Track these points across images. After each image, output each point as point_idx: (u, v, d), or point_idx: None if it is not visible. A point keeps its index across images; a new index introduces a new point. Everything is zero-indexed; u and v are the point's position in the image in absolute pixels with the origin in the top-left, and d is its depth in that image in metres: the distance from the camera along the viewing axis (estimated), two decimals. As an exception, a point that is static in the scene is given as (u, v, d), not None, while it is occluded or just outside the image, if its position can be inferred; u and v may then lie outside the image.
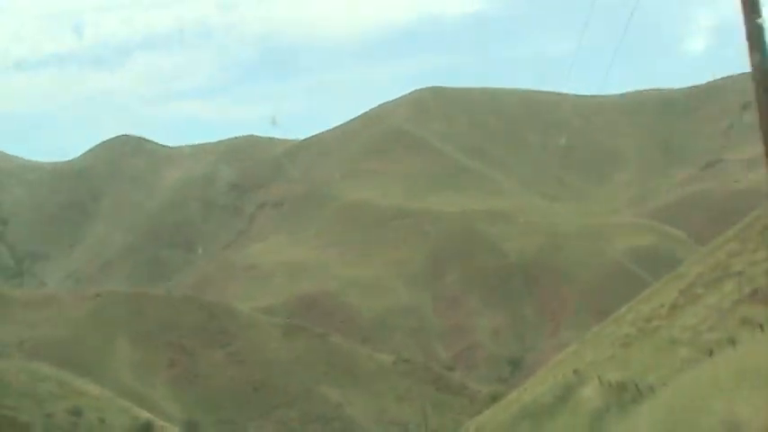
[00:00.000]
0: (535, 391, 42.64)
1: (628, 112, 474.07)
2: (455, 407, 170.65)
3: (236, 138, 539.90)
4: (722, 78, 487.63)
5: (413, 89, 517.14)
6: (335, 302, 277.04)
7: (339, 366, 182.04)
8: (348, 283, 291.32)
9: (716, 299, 27.37)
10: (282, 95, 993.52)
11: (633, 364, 26.78)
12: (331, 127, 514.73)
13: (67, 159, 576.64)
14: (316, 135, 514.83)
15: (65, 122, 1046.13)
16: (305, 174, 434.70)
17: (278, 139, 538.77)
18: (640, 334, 32.59)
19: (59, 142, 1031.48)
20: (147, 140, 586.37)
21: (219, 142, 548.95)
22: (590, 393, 26.66)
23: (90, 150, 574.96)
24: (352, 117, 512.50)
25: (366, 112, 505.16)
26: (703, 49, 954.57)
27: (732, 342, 20.24)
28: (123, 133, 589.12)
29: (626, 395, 23.02)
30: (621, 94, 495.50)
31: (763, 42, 18.94)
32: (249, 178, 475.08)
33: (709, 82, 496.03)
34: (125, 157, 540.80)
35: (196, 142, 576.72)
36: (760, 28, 18.07)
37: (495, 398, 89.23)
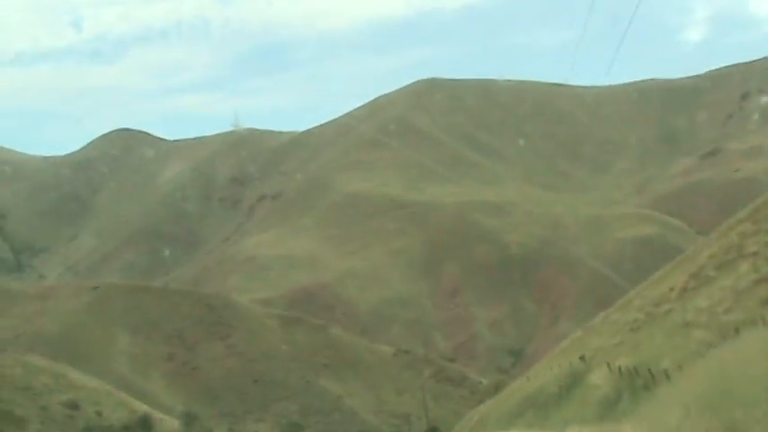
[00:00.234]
0: (540, 379, 41.55)
1: (628, 102, 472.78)
2: (455, 398, 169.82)
3: (234, 131, 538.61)
4: (722, 68, 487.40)
5: (411, 81, 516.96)
6: (334, 294, 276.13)
7: (338, 358, 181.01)
8: (347, 274, 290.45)
9: (731, 280, 26.31)
10: (280, 88, 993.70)
11: (644, 350, 25.72)
12: (329, 119, 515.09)
13: (66, 153, 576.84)
14: (314, 127, 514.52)
15: (63, 116, 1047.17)
16: (303, 166, 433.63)
17: (276, 132, 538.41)
18: (649, 319, 31.52)
19: (58, 136, 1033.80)
20: (146, 134, 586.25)
21: (218, 135, 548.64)
22: (599, 380, 25.63)
23: (89, 144, 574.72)
24: (350, 109, 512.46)
25: (364, 104, 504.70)
26: (703, 39, 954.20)
27: (753, 323, 19.22)
28: (122, 127, 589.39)
29: (638, 381, 21.95)
30: (621, 85, 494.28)
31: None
32: (247, 171, 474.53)
33: (709, 72, 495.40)
34: (124, 151, 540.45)
35: (194, 135, 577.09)
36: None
37: (497, 387, 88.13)
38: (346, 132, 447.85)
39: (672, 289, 32.93)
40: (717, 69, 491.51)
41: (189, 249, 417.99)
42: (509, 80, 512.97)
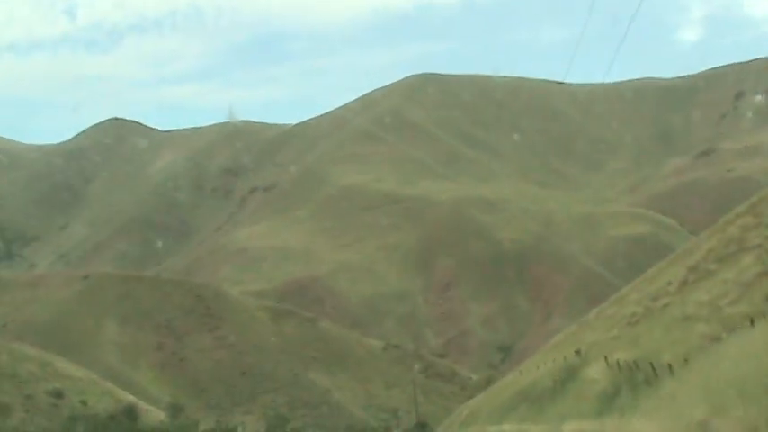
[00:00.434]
0: (533, 373, 40.73)
1: (623, 100, 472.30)
2: (445, 393, 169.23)
3: (227, 122, 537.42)
4: (717, 68, 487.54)
5: (406, 75, 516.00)
6: (325, 287, 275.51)
7: (328, 352, 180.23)
8: (339, 268, 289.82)
9: (733, 273, 25.50)
10: (275, 80, 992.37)
11: (642, 344, 24.91)
12: (323, 112, 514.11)
13: (59, 142, 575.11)
14: (308, 120, 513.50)
15: (57, 105, 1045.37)
16: (296, 158, 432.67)
17: (270, 124, 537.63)
18: (647, 312, 30.73)
19: (52, 125, 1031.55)
20: (139, 124, 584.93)
21: (211, 126, 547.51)
22: (596, 374, 24.80)
23: (81, 133, 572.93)
24: (345, 103, 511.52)
25: (359, 98, 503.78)
26: (699, 39, 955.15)
27: (763, 315, 18.43)
28: (115, 116, 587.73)
29: (638, 375, 21.10)
30: (616, 83, 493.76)
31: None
32: (241, 162, 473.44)
33: (703, 71, 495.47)
34: (117, 141, 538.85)
35: (188, 126, 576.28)
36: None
37: (489, 382, 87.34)
38: (341, 125, 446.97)
39: (670, 283, 32.16)
40: (711, 69, 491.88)
41: (181, 240, 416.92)
42: (505, 76, 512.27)
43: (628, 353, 24.00)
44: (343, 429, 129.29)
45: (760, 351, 13.90)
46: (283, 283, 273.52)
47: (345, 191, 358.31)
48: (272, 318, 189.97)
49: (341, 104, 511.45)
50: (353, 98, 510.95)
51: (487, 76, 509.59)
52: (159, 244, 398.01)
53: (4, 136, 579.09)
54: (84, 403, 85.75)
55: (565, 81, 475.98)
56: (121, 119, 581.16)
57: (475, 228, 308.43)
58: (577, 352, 32.20)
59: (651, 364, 20.29)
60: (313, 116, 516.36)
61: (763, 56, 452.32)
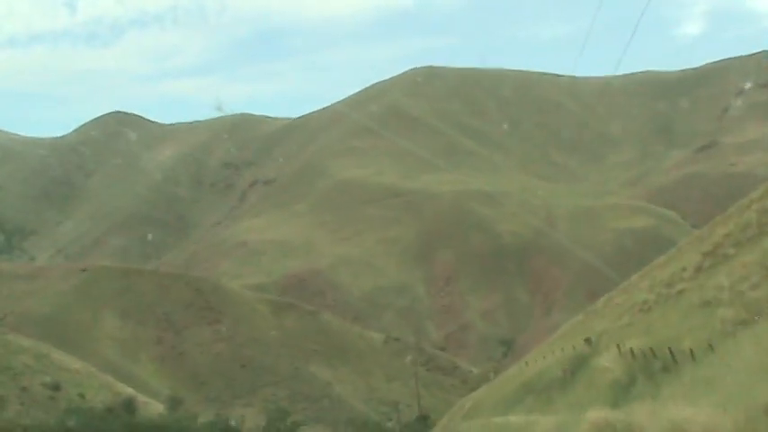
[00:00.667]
0: (539, 364, 39.67)
1: (624, 94, 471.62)
2: (446, 387, 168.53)
3: (229, 116, 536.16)
4: (719, 62, 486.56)
5: (408, 69, 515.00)
6: (326, 281, 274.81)
7: (329, 345, 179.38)
8: (339, 261, 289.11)
9: (755, 256, 24.44)
10: (276, 75, 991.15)
11: (657, 331, 23.88)
12: (323, 106, 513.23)
13: (59, 135, 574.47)
14: (309, 114, 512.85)
15: (57, 99, 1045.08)
16: (297, 152, 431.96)
17: (271, 118, 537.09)
18: (661, 299, 29.70)
19: (51, 118, 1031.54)
20: (139, 117, 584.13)
21: (212, 120, 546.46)
22: (608, 363, 23.76)
23: (82, 126, 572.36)
24: (345, 97, 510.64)
25: (359, 92, 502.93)
26: (701, 33, 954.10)
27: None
28: (116, 110, 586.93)
29: (655, 363, 20.04)
30: (618, 77, 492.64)
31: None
32: (241, 156, 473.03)
33: (705, 65, 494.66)
34: (117, 134, 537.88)
35: (189, 120, 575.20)
36: None
37: (493, 374, 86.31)
38: (341, 119, 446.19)
39: (684, 269, 31.13)
40: (713, 62, 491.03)
41: (180, 234, 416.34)
42: (506, 69, 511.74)
43: (642, 340, 22.99)
44: (343, 423, 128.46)
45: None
46: (283, 276, 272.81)
47: (345, 184, 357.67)
48: (273, 311, 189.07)
49: (341, 99, 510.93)
50: (355, 92, 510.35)
51: (488, 69, 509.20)
52: (159, 238, 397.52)
53: (3, 129, 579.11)
54: (81, 396, 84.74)
55: (573, 74, 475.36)
56: (121, 112, 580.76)
57: (475, 221, 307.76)
58: (587, 341, 31.16)
59: (670, 350, 19.26)
60: (314, 110, 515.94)
61: (765, 49, 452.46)
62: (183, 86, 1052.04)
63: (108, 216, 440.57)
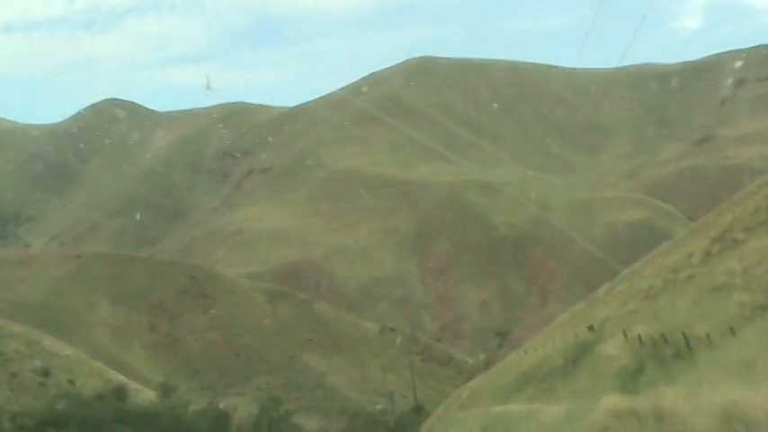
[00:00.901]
0: (539, 352, 38.69)
1: (622, 86, 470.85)
2: (441, 377, 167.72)
3: (225, 104, 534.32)
4: (716, 54, 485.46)
5: (405, 59, 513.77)
6: (321, 270, 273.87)
7: (323, 334, 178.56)
8: (335, 251, 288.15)
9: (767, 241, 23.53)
10: (273, 63, 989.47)
11: (666, 317, 22.93)
12: (321, 95, 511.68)
13: (55, 122, 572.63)
14: (306, 102, 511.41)
15: (54, 85, 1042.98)
16: (293, 141, 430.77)
17: (267, 106, 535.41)
18: (668, 285, 28.76)
19: (48, 105, 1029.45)
20: (136, 105, 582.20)
21: (209, 108, 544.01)
22: (613, 351, 22.78)
23: (78, 113, 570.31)
24: (343, 85, 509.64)
25: (357, 81, 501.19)
26: (699, 26, 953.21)
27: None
28: (112, 97, 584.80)
29: (666, 349, 19.07)
30: (616, 69, 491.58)
31: None
32: (238, 145, 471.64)
33: (703, 58, 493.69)
34: (113, 121, 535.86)
35: (186, 108, 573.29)
36: None
37: (488, 364, 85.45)
38: (338, 108, 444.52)
39: (691, 254, 30.18)
40: (711, 56, 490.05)
41: (176, 221, 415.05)
42: (504, 61, 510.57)
43: (650, 327, 22.04)
44: (336, 412, 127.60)
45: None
46: (278, 265, 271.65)
47: (342, 174, 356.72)
48: (267, 299, 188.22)
49: (339, 88, 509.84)
50: (352, 81, 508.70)
51: (486, 60, 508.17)
52: (154, 226, 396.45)
53: (0, 116, 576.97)
54: (71, 382, 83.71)
55: (575, 66, 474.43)
56: (118, 99, 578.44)
57: (471, 212, 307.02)
58: (590, 328, 30.18)
59: (684, 335, 18.28)
60: (311, 99, 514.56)
61: (762, 43, 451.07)
62: (180, 74, 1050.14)
63: (103, 203, 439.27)
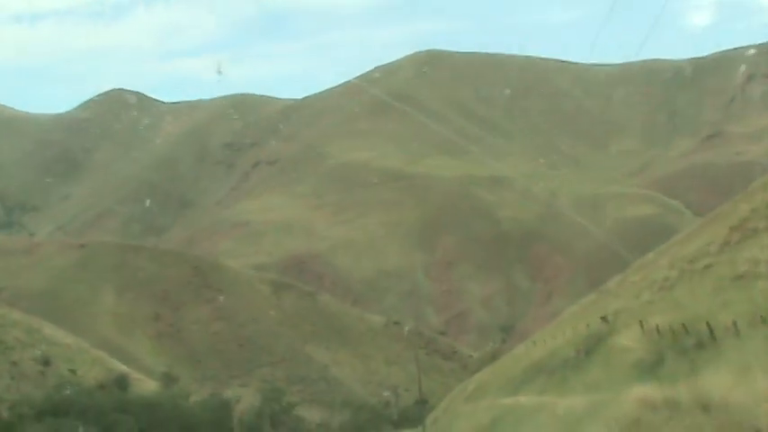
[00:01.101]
0: (549, 344, 37.66)
1: (630, 81, 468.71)
2: (445, 371, 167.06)
3: (232, 95, 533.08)
4: (726, 51, 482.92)
5: (413, 52, 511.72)
6: (326, 263, 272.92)
7: (327, 327, 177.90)
8: (340, 243, 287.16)
9: (789, 229, 22.62)
10: (281, 55, 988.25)
11: (685, 307, 21.96)
12: (329, 87, 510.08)
13: (62, 112, 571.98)
14: (313, 95, 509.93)
15: (62, 75, 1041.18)
16: (301, 133, 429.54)
17: (275, 98, 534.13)
18: (684, 276, 27.78)
19: (55, 95, 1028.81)
20: (143, 95, 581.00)
21: (216, 99, 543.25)
22: (629, 342, 21.80)
23: (84, 103, 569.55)
24: (351, 78, 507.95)
25: (364, 74, 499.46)
26: (709, 23, 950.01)
27: None
28: (120, 87, 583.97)
29: (687, 340, 18.09)
30: (625, 64, 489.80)
31: None
32: (244, 136, 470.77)
33: (712, 54, 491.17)
34: (120, 112, 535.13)
35: (193, 99, 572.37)
36: None
37: (494, 356, 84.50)
38: (346, 101, 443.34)
39: (709, 244, 29.17)
40: (721, 52, 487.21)
41: (182, 212, 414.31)
42: (513, 55, 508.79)
43: (667, 317, 21.06)
44: (339, 405, 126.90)
45: None
46: (284, 257, 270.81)
47: (349, 166, 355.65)
48: (272, 291, 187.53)
49: (346, 80, 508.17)
50: (359, 74, 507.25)
51: (495, 54, 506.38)
52: (160, 216, 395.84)
53: (8, 105, 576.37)
54: (72, 371, 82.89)
55: (587, 61, 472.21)
56: (125, 90, 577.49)
57: (478, 207, 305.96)
58: (604, 319, 29.18)
59: (708, 325, 17.32)
60: (318, 91, 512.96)
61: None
62: (187, 65, 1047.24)
63: (109, 192, 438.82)
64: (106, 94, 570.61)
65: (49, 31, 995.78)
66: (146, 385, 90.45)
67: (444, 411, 65.41)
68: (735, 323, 16.28)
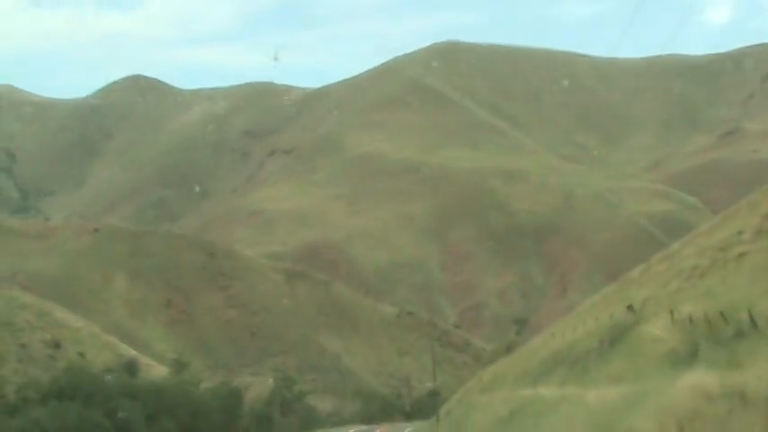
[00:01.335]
0: (570, 335, 36.50)
1: (648, 76, 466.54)
2: (458, 363, 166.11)
3: (250, 84, 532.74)
4: (744, 48, 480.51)
5: (431, 44, 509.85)
6: (340, 253, 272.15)
7: (340, 316, 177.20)
8: (354, 234, 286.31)
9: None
10: (298, 45, 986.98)
11: (719, 296, 20.78)
12: (346, 77, 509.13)
13: (79, 97, 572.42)
14: (330, 84, 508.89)
15: (79, 61, 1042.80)
16: (317, 123, 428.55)
17: (292, 87, 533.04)
18: (716, 264, 26.62)
19: (73, 81, 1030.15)
20: (161, 82, 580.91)
21: (233, 87, 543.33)
22: (658, 332, 20.66)
23: (102, 89, 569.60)
24: (369, 68, 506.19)
25: (382, 64, 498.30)
26: (728, 20, 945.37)
27: None
28: (137, 73, 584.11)
29: (726, 329, 16.94)
30: (643, 59, 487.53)
31: None
32: (261, 125, 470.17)
33: (731, 51, 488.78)
34: (137, 98, 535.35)
35: (210, 86, 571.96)
36: None
37: (510, 348, 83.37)
38: (362, 92, 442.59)
39: (741, 232, 27.99)
40: (739, 49, 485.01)
41: (197, 200, 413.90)
42: (530, 48, 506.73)
43: (701, 305, 19.93)
44: (350, 394, 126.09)
45: None
46: (298, 246, 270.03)
47: (364, 157, 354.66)
48: (285, 279, 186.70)
49: (364, 71, 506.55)
50: (377, 65, 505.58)
51: (513, 46, 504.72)
52: (175, 203, 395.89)
53: (26, 90, 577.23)
54: (81, 355, 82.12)
55: (613, 55, 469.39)
56: (143, 76, 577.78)
57: (493, 199, 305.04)
58: (630, 308, 28.04)
59: (750, 313, 16.18)
60: (335, 81, 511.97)
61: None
62: (205, 53, 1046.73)
63: (125, 179, 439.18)
64: (124, 80, 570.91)
65: (69, 16, 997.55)
66: (156, 371, 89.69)
67: (458, 403, 64.30)
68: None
